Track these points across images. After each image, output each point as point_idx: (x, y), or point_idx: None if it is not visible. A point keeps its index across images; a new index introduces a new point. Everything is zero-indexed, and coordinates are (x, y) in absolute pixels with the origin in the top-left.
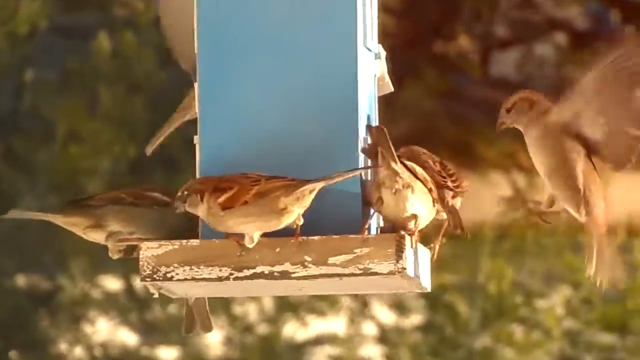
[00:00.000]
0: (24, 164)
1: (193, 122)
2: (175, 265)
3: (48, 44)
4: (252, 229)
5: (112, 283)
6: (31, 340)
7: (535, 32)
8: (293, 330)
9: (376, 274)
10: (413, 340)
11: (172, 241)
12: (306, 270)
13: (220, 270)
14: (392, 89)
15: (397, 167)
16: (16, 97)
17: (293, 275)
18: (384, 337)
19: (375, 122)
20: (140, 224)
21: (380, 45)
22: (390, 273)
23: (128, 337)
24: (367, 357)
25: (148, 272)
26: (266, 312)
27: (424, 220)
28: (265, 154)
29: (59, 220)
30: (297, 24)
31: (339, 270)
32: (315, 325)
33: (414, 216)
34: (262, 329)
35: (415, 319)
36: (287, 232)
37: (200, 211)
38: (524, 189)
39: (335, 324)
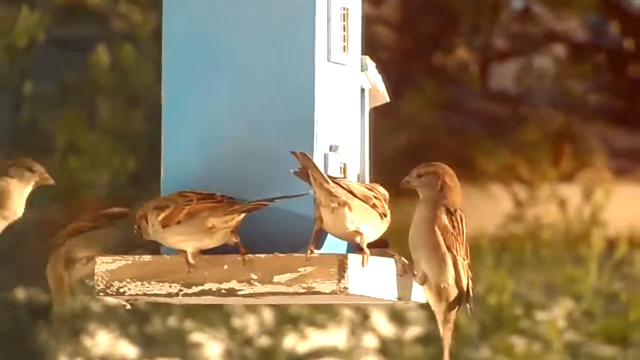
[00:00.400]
0: None
1: None
2: (128, 280)
3: (46, 57)
4: (189, 247)
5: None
6: (30, 353)
7: (534, 45)
8: (293, 343)
9: (319, 293)
10: (413, 352)
11: (126, 256)
12: (252, 288)
13: (170, 286)
14: (388, 99)
15: (330, 186)
16: (15, 110)
17: (239, 292)
18: (384, 349)
19: (366, 135)
20: (105, 244)
21: (367, 57)
22: (333, 292)
23: (128, 350)
24: None
25: (102, 286)
26: (266, 325)
27: (369, 236)
28: (225, 170)
29: (58, 295)
30: (257, 42)
31: (283, 288)
32: (316, 338)
33: (358, 232)
34: (262, 341)
35: (415, 330)
36: (254, 247)
37: (149, 232)
38: (525, 201)
39: (336, 336)
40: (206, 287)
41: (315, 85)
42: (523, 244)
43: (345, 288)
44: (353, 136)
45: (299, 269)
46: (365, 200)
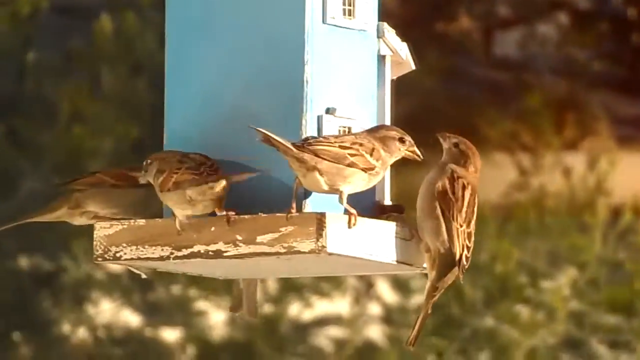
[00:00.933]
0: (26, 145)
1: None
2: (124, 244)
3: (50, 25)
4: (178, 214)
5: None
6: (34, 321)
7: (537, 12)
8: (297, 311)
9: (299, 252)
10: None
11: (122, 221)
12: (237, 249)
13: (162, 249)
14: (414, 67)
15: (294, 153)
16: (18, 78)
17: (225, 254)
18: (388, 317)
19: (387, 102)
20: (121, 205)
21: (385, 24)
22: (312, 251)
23: (131, 318)
24: (372, 338)
25: (100, 252)
26: (270, 293)
27: (354, 191)
28: (223, 134)
29: (45, 218)
30: (252, 5)
31: (266, 249)
32: (320, 306)
33: (338, 191)
34: (266, 309)
35: (419, 298)
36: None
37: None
38: (529, 169)
39: (340, 304)
40: (195, 249)
41: (305, 47)
42: (527, 212)
43: (323, 247)
44: (364, 101)
45: (281, 229)
46: (337, 160)
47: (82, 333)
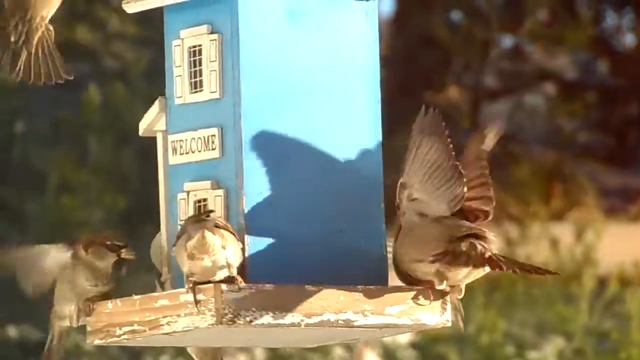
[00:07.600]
0: (14, 215)
1: None
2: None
3: (38, 95)
4: None
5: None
6: None
7: (524, 83)
8: None
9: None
10: None
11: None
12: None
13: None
14: None
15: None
16: (6, 149)
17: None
18: None
19: None
20: None
21: None
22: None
23: None
24: None
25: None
26: None
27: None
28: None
29: None
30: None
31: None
32: None
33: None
34: None
35: None
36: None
37: None
38: (516, 240)
39: None
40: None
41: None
42: (514, 283)
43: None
44: None
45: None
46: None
47: None
